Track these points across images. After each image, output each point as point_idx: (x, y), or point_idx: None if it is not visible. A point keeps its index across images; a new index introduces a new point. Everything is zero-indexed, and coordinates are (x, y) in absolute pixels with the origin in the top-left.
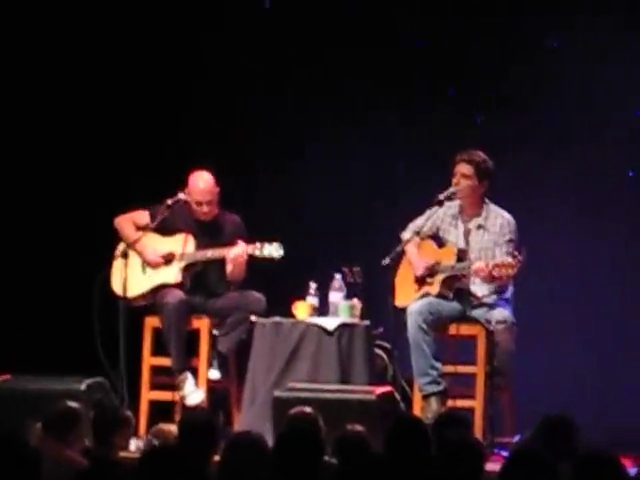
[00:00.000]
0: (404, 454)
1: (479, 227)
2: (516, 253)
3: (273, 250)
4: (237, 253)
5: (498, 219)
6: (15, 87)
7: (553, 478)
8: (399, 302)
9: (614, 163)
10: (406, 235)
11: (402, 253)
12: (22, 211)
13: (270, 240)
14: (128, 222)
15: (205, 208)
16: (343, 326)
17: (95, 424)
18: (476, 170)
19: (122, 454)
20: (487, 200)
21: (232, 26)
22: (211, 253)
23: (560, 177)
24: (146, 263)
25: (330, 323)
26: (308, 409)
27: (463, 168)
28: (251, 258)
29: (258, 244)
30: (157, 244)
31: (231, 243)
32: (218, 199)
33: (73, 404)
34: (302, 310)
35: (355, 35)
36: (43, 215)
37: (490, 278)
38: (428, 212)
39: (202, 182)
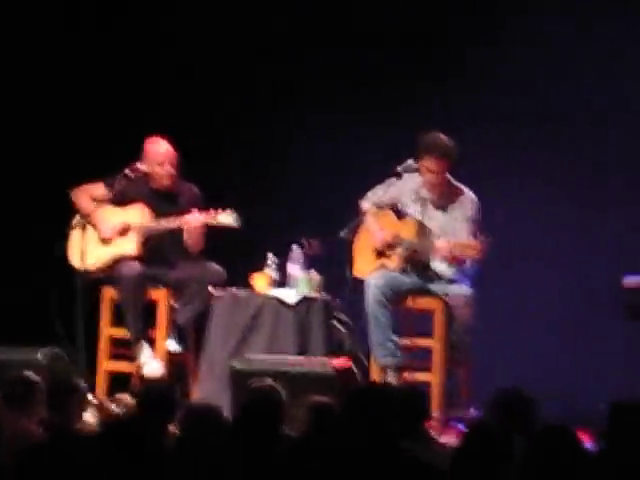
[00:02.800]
0: (361, 419)
1: (440, 204)
2: (479, 235)
3: (227, 217)
4: (191, 221)
5: (461, 197)
6: None
7: (509, 452)
8: (357, 272)
9: (584, 143)
10: (365, 205)
11: (361, 222)
12: None
13: (224, 208)
14: (84, 194)
15: (169, 168)
16: (302, 299)
17: (49, 393)
18: (450, 162)
19: (79, 425)
20: (449, 177)
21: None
22: (166, 222)
23: (528, 159)
24: (100, 238)
25: (291, 297)
26: (270, 381)
27: (440, 164)
28: (208, 227)
29: (212, 212)
30: (112, 215)
31: (187, 213)
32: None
33: (30, 374)
34: (260, 282)
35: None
36: (1, 186)
37: (450, 258)
38: (387, 182)
39: (162, 146)
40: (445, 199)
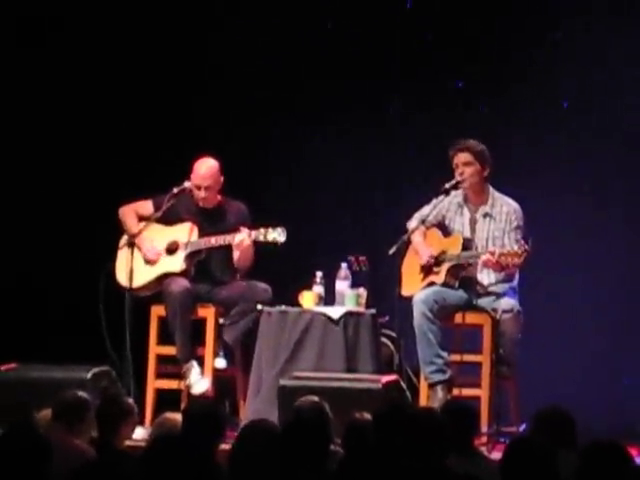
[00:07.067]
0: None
1: (485, 215)
2: (522, 242)
3: (277, 235)
4: (241, 239)
5: (504, 207)
6: (20, 75)
7: (552, 467)
8: (405, 291)
9: (612, 149)
10: (412, 224)
11: (408, 242)
12: (28, 201)
13: (274, 226)
14: (131, 213)
15: (203, 193)
16: (349, 315)
17: (99, 414)
18: (474, 156)
19: (128, 443)
20: (491, 188)
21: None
22: (215, 240)
23: (560, 164)
24: (144, 260)
25: (335, 312)
26: (315, 398)
27: (462, 157)
28: (256, 244)
29: (262, 229)
30: (161, 234)
31: (235, 230)
32: (220, 187)
33: (83, 394)
34: (308, 299)
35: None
36: (48, 205)
37: (499, 267)
38: (434, 201)
39: (204, 167)
40: (489, 209)
